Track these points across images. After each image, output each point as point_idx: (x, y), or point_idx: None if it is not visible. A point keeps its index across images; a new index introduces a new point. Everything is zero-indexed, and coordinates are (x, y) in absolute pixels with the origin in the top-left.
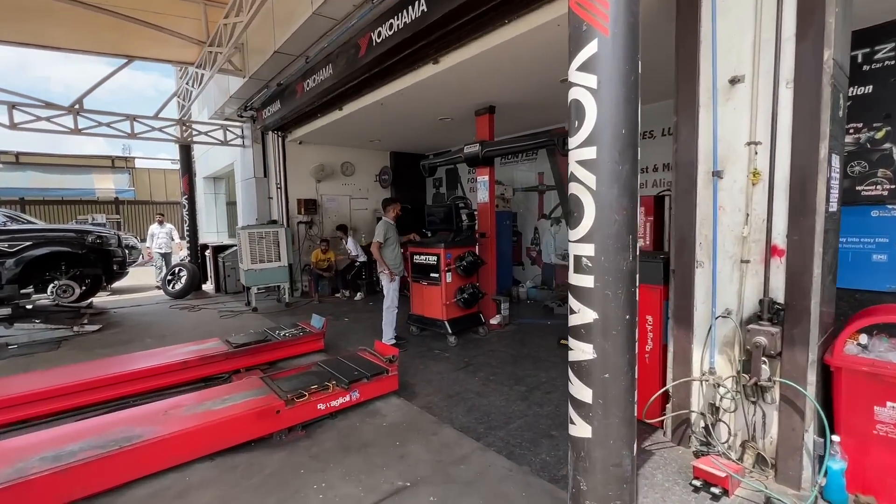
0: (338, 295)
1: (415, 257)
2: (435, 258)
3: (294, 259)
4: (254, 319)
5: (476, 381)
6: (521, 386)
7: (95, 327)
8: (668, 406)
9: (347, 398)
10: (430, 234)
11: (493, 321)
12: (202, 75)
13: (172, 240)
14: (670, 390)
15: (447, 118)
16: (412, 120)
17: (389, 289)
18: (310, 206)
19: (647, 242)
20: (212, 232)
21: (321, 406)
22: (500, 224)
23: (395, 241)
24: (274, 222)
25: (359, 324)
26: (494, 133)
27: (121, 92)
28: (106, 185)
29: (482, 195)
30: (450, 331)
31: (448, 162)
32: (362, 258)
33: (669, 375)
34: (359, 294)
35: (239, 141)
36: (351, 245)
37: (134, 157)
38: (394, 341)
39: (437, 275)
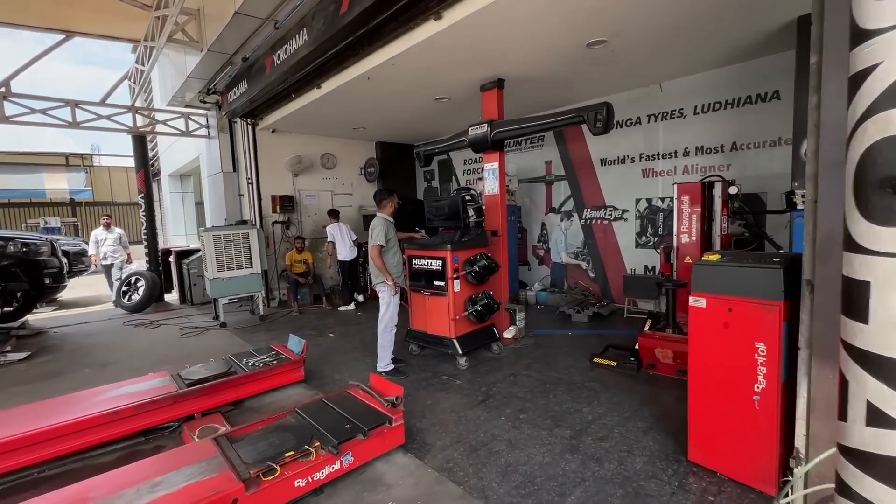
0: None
1: (414, 262)
2: (439, 263)
3: (269, 264)
4: (221, 338)
5: (504, 423)
6: (563, 428)
7: (21, 355)
8: (796, 473)
9: (337, 465)
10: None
11: (507, 334)
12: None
13: (123, 246)
14: (801, 453)
15: (444, 98)
16: (403, 100)
17: (389, 303)
18: (286, 203)
19: (694, 239)
20: (179, 235)
21: (300, 482)
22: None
23: (397, 244)
24: (244, 222)
25: (346, 340)
26: (504, 112)
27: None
28: (58, 184)
29: (491, 186)
30: (459, 351)
31: (448, 147)
32: (351, 256)
33: (800, 430)
34: (353, 304)
35: (203, 131)
36: (341, 234)
37: (91, 155)
38: (391, 367)
39: (442, 283)
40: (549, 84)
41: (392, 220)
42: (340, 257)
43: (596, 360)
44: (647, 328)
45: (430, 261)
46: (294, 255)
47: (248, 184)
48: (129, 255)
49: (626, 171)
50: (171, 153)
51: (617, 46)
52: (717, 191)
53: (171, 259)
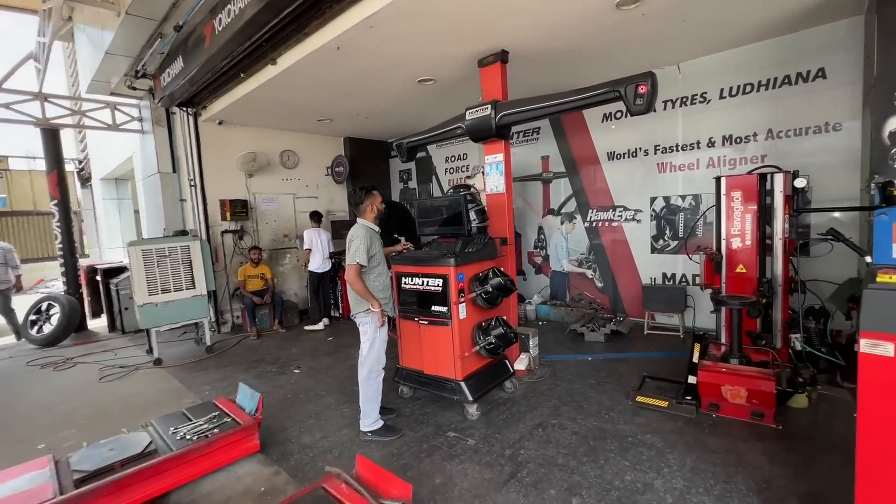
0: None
1: (403, 281)
2: (439, 282)
3: (219, 282)
4: (153, 381)
5: None
6: None
7: None
8: None
9: None
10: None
11: (519, 365)
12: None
13: (11, 267)
14: None
15: (430, 79)
16: (379, 83)
17: (374, 339)
18: (238, 208)
19: (748, 243)
20: (116, 248)
21: None
22: None
23: (383, 259)
24: (184, 233)
25: (317, 379)
26: (507, 92)
27: None
28: None
29: (494, 183)
30: (469, 397)
31: (438, 137)
32: (324, 269)
33: None
34: (322, 322)
35: (136, 125)
36: (319, 241)
37: (7, 157)
38: (380, 423)
39: (443, 308)
40: (558, 62)
41: (377, 228)
42: (312, 267)
43: (639, 399)
44: (696, 355)
45: (425, 279)
46: (248, 270)
47: (191, 186)
48: (18, 277)
49: (638, 165)
50: (104, 153)
51: (651, 8)
52: (778, 184)
53: (100, 278)
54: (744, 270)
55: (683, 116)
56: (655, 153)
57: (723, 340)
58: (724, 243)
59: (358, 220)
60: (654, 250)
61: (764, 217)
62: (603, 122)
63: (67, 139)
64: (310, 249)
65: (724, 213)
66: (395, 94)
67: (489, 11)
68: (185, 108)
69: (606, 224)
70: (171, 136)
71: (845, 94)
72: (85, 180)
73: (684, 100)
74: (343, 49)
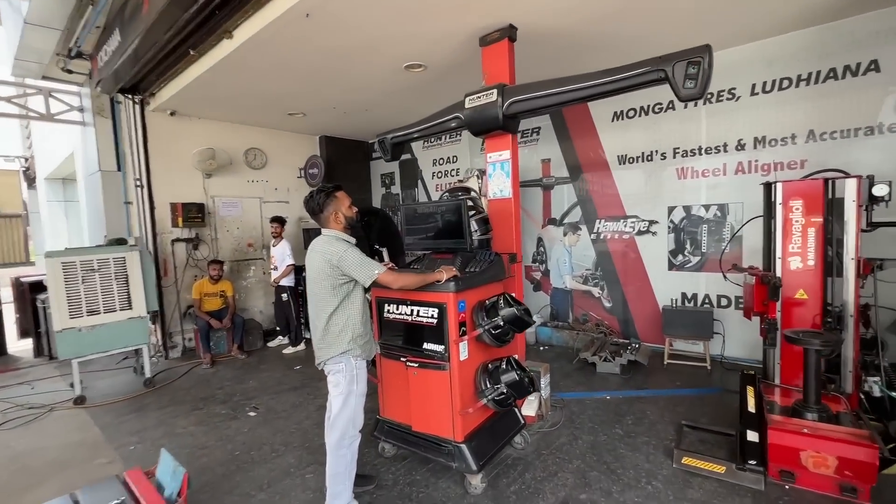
0: (292, 346)
1: (387, 309)
2: (434, 311)
3: (168, 299)
4: (66, 429)
5: None
6: None
7: None
8: None
9: None
10: (381, 254)
11: (528, 409)
12: None
13: None
14: None
15: (419, 65)
16: (360, 67)
17: (350, 394)
18: (193, 213)
19: (811, 264)
20: None
21: None
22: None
23: (360, 285)
24: (121, 241)
25: (275, 427)
26: (515, 76)
27: None
28: None
29: (500, 186)
30: (473, 466)
31: (430, 129)
32: (285, 284)
33: None
34: (289, 347)
35: (76, 116)
36: (283, 252)
37: None
38: None
39: (438, 347)
40: (570, 45)
41: (351, 239)
42: (286, 282)
43: (686, 461)
44: (751, 401)
45: (415, 308)
46: (206, 286)
47: (137, 187)
48: None
49: (653, 170)
50: (46, 150)
51: None
52: (850, 191)
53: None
54: (805, 296)
55: (708, 115)
56: (675, 157)
57: (777, 381)
58: (778, 263)
59: (323, 231)
60: (672, 267)
61: (830, 232)
62: (614, 120)
63: (12, 133)
64: (293, 264)
65: (780, 227)
66: (378, 82)
67: None
68: (130, 96)
69: (616, 236)
70: (117, 129)
71: None
72: (32, 180)
73: (709, 96)
74: (314, 17)
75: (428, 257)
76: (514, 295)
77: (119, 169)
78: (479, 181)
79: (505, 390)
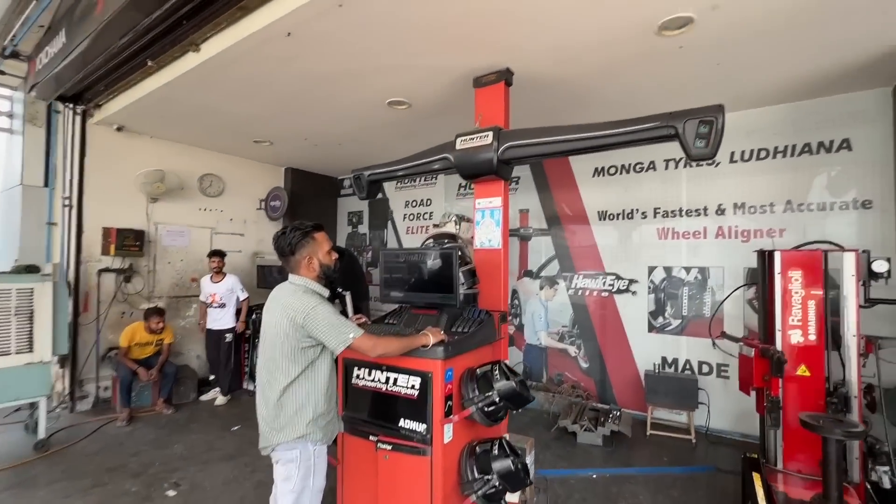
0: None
1: (356, 374)
2: (416, 382)
3: (86, 338)
4: None
5: None
6: None
7: None
8: None
9: None
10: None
11: (512, 498)
12: None
13: None
14: None
15: (403, 102)
16: (338, 98)
17: (304, 490)
18: (129, 241)
19: (812, 338)
20: None
21: None
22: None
23: (328, 351)
24: (32, 269)
25: None
26: (515, 121)
27: None
28: None
29: (487, 235)
30: None
31: (414, 169)
32: (231, 325)
33: None
34: (219, 397)
35: (4, 121)
36: (231, 288)
37: None
38: None
39: (419, 426)
40: (563, 94)
41: (324, 291)
42: (218, 325)
43: None
44: (760, 494)
45: (392, 376)
46: (139, 334)
47: (65, 206)
48: None
49: (634, 229)
50: None
51: (692, 39)
52: (848, 266)
53: None
54: (807, 373)
55: (689, 179)
56: (655, 216)
57: (779, 464)
58: (778, 336)
59: (291, 277)
60: (652, 328)
61: (829, 306)
62: (595, 176)
63: None
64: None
65: (780, 298)
66: (357, 115)
67: (502, 18)
68: (71, 105)
69: (595, 293)
70: (50, 141)
71: (874, 170)
72: None
73: (690, 161)
74: (296, 37)
75: (406, 311)
76: (507, 363)
77: (46, 185)
78: (458, 227)
79: (497, 483)
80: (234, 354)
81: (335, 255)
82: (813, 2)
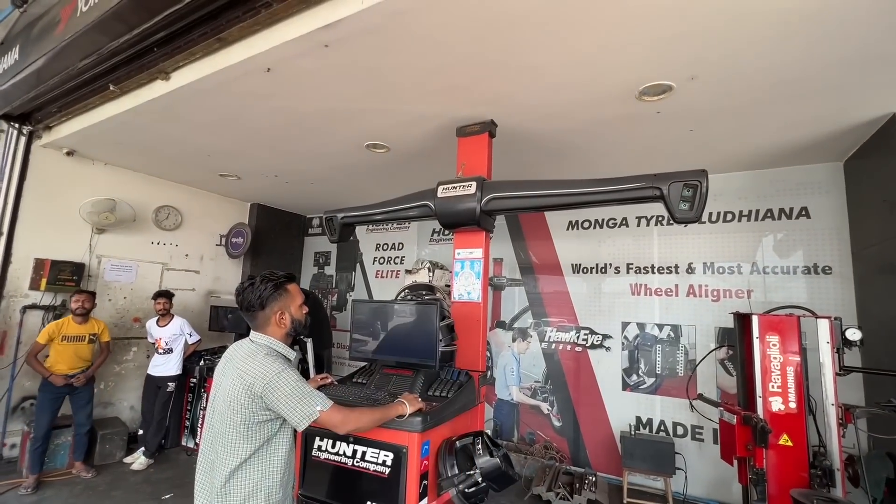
0: (85, 474)
1: (317, 446)
2: (387, 458)
3: None
4: None
5: None
6: None
7: None
8: None
9: None
10: (304, 345)
11: None
12: None
13: None
14: None
15: (382, 146)
16: (315, 138)
17: None
18: (65, 274)
19: (793, 406)
20: None
21: None
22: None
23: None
24: None
25: None
26: (495, 171)
27: None
28: None
29: (466, 288)
30: None
31: (389, 215)
32: (176, 372)
33: None
34: (140, 459)
35: None
36: (178, 332)
37: None
38: None
39: None
40: (541, 148)
41: (291, 353)
42: (161, 372)
43: None
44: None
45: (360, 449)
46: (67, 325)
47: None
48: None
49: (608, 283)
50: None
51: (670, 106)
52: (823, 333)
53: None
54: (789, 443)
55: (659, 236)
56: (628, 272)
57: None
58: (759, 402)
59: (252, 335)
60: (626, 386)
61: (807, 373)
62: (568, 229)
63: None
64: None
65: (759, 363)
66: (333, 156)
67: (488, 69)
68: (17, 125)
69: (568, 348)
70: None
71: (832, 237)
72: None
73: (660, 219)
74: (276, 73)
75: (378, 371)
76: (489, 434)
77: None
78: (431, 274)
79: (481, 481)
80: (174, 406)
81: (306, 309)
82: (777, 80)
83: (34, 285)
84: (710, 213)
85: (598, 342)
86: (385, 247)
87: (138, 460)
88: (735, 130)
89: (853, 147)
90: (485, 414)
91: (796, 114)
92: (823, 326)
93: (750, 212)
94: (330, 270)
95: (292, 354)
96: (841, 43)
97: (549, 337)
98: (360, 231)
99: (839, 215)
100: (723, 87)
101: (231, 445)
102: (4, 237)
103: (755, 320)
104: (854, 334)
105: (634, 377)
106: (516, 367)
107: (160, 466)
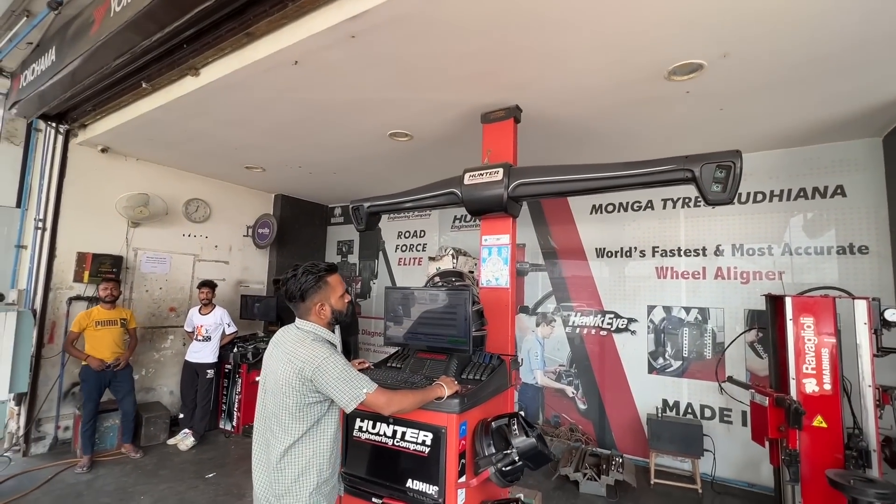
0: (135, 454)
1: (358, 426)
2: (427, 437)
3: (48, 373)
4: None
5: None
6: None
7: None
8: None
9: None
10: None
11: None
12: None
13: None
14: None
15: (405, 134)
16: (339, 128)
17: None
18: (105, 267)
19: (828, 388)
20: None
21: None
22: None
23: (336, 407)
24: None
25: None
26: (518, 157)
27: None
28: None
29: (494, 273)
30: None
31: (417, 203)
32: (213, 360)
33: None
34: (189, 440)
35: None
36: (219, 321)
37: None
38: None
39: (430, 488)
40: (569, 133)
41: (335, 339)
42: (198, 358)
43: None
44: None
45: (400, 430)
46: (97, 312)
47: (38, 229)
48: None
49: (633, 267)
50: None
51: (700, 85)
52: (860, 314)
53: None
54: (824, 424)
55: (686, 218)
56: (654, 255)
57: None
58: (792, 384)
59: (298, 322)
60: (652, 370)
61: (842, 354)
62: (592, 213)
63: None
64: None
65: (792, 345)
66: (356, 146)
67: (515, 56)
68: (54, 124)
69: (593, 332)
70: (28, 160)
71: (869, 216)
72: None
73: (686, 201)
74: (302, 65)
75: (412, 355)
76: (523, 415)
77: (19, 205)
78: (455, 261)
79: (517, 459)
80: (212, 394)
81: (348, 298)
82: (814, 56)
83: (77, 278)
84: (741, 194)
85: (624, 326)
86: (407, 234)
87: (184, 441)
88: (768, 108)
89: (893, 122)
90: (514, 398)
91: (834, 89)
92: (861, 307)
93: (782, 191)
94: (353, 259)
95: (336, 340)
96: (889, 16)
97: (573, 321)
98: (382, 219)
99: (877, 193)
100: (758, 63)
101: (285, 425)
102: (48, 232)
103: (788, 302)
104: (893, 315)
105: (661, 360)
106: (540, 352)
107: (201, 447)
